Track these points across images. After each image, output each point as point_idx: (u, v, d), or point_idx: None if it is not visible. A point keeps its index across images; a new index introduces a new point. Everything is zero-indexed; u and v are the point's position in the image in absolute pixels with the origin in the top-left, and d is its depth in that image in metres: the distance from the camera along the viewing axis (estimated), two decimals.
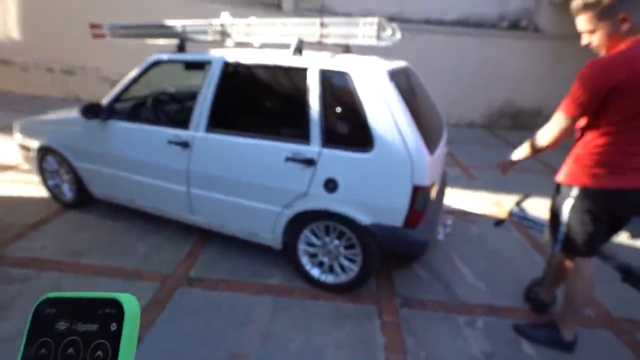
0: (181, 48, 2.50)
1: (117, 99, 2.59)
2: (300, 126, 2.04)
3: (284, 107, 2.34)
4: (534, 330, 1.98)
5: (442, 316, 2.12)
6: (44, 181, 3.07)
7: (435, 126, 2.43)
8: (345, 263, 2.15)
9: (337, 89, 2.02)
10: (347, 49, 2.56)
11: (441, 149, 2.34)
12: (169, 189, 2.43)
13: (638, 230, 1.83)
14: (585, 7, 1.46)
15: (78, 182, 2.88)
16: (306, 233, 2.16)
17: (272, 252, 2.54)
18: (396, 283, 2.37)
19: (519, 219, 2.19)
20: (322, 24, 2.12)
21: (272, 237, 2.25)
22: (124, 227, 2.83)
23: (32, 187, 3.35)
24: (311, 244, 2.21)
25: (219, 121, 2.24)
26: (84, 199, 3.00)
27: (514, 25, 6.78)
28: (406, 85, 2.23)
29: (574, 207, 1.65)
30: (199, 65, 2.39)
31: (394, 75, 2.01)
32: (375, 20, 1.99)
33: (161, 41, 2.73)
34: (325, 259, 2.19)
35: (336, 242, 2.13)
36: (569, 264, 1.82)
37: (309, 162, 1.99)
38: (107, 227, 2.81)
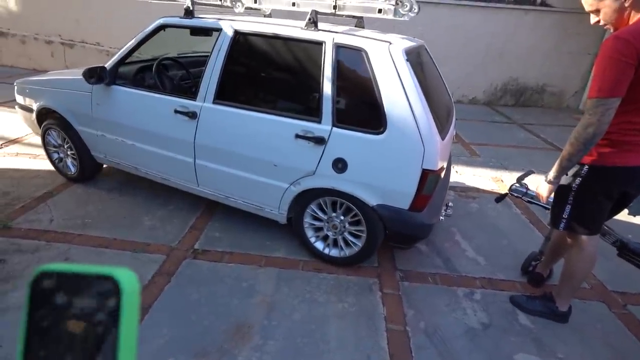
0: (189, 12, 2.38)
1: (122, 62, 2.54)
2: (311, 103, 2.02)
3: (295, 82, 2.30)
4: (530, 302, 2.04)
5: (442, 289, 2.18)
6: (48, 155, 3.07)
7: (446, 109, 2.42)
8: (350, 238, 2.19)
9: (351, 66, 1.98)
10: (359, 21, 2.50)
11: (451, 132, 2.33)
12: (175, 158, 2.43)
13: (636, 208, 1.85)
14: None
15: (81, 158, 2.88)
16: (312, 207, 2.19)
17: (276, 226, 2.58)
18: (397, 257, 2.42)
19: (520, 194, 2.22)
20: None
21: (278, 212, 2.28)
22: (130, 200, 2.86)
23: (37, 160, 3.36)
24: (317, 218, 2.24)
25: (227, 93, 2.21)
26: (88, 174, 3.01)
27: None
28: (420, 65, 2.19)
29: (582, 186, 1.64)
30: (207, 32, 2.32)
31: (410, 54, 1.97)
32: None
33: (164, 2, 2.62)
34: (330, 233, 2.23)
35: (342, 217, 2.16)
36: (571, 241, 1.85)
37: (319, 141, 1.98)
38: (113, 201, 2.84)
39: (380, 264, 2.35)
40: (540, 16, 6.60)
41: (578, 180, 1.64)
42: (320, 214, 2.20)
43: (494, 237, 2.73)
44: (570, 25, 6.57)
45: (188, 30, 2.51)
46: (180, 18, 2.38)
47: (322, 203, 2.16)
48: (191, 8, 2.35)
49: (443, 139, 1.96)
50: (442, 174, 2.09)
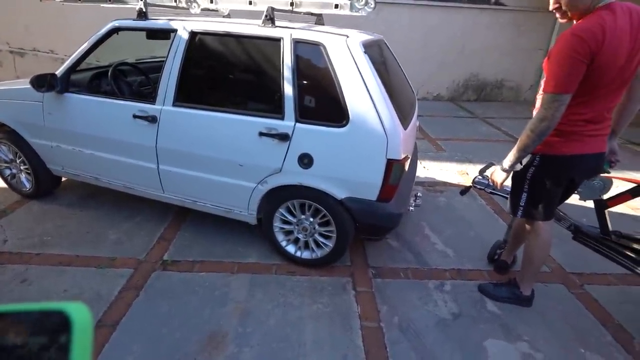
0: (142, 14, 2.30)
1: (73, 69, 2.42)
2: (273, 100, 2.01)
3: (256, 80, 2.28)
4: (496, 289, 2.13)
5: (413, 283, 2.24)
6: None
7: (408, 100, 2.47)
8: (320, 239, 2.20)
9: (311, 60, 1.99)
10: (319, 19, 2.52)
11: (414, 122, 2.38)
12: (137, 165, 2.35)
13: (587, 194, 1.97)
14: None
15: (36, 172, 2.73)
16: (281, 211, 2.18)
17: (248, 231, 2.55)
18: (369, 255, 2.46)
19: (483, 186, 2.31)
20: None
21: (247, 213, 2.26)
22: (92, 215, 2.73)
23: None
24: (286, 222, 2.23)
25: (187, 94, 2.17)
26: (44, 190, 2.86)
27: None
28: (380, 57, 2.23)
29: (535, 174, 1.73)
30: (163, 34, 2.25)
31: (368, 47, 2.00)
32: None
33: (116, 6, 2.53)
34: (301, 236, 2.23)
35: (311, 219, 2.16)
36: (528, 227, 1.95)
37: (283, 137, 1.97)
38: (74, 216, 2.71)
39: (353, 262, 2.38)
40: (495, 15, 6.91)
41: (532, 169, 1.73)
42: (290, 217, 2.20)
43: (461, 229, 2.83)
44: (523, 22, 6.92)
45: (146, 37, 2.43)
46: (134, 20, 2.31)
47: (290, 206, 2.16)
48: (144, 9, 2.29)
49: (405, 128, 2.00)
50: (407, 164, 2.13)
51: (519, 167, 1.76)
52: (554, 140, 1.59)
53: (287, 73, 1.95)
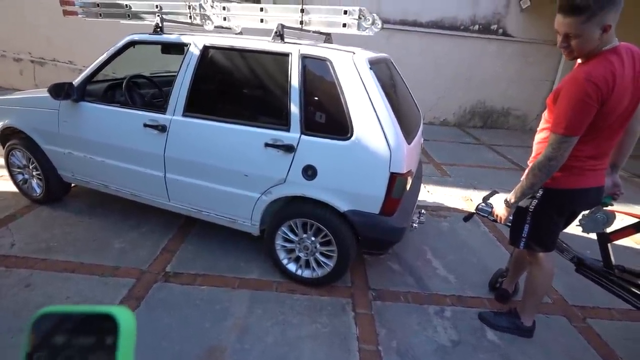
0: (158, 29, 2.43)
1: (90, 79, 2.53)
2: (280, 112, 2.07)
3: (264, 93, 2.35)
4: (497, 318, 2.12)
5: (413, 307, 2.23)
6: (12, 176, 2.96)
7: (412, 116, 2.52)
8: (322, 259, 2.21)
9: (317, 75, 2.06)
10: (328, 38, 2.62)
11: (418, 138, 2.43)
12: (145, 173, 2.41)
13: (590, 227, 1.97)
14: (575, 11, 1.37)
15: (47, 178, 2.80)
16: (284, 229, 2.21)
17: (250, 248, 2.58)
18: (370, 276, 2.46)
19: (486, 214, 2.32)
20: (302, 10, 2.16)
21: (250, 223, 2.28)
22: (99, 223, 2.78)
23: None
24: (288, 240, 2.25)
25: (197, 105, 2.24)
26: (54, 196, 2.92)
27: (485, 29, 7.03)
28: (385, 75, 2.29)
29: (539, 207, 1.75)
30: (176, 48, 2.35)
31: (374, 64, 2.08)
32: (356, 9, 2.05)
33: (134, 23, 2.66)
34: (302, 255, 2.25)
35: (313, 238, 2.18)
36: (530, 258, 1.95)
37: (289, 149, 2.02)
38: (81, 224, 2.75)
39: (353, 283, 2.38)
40: (503, 45, 7.07)
41: (534, 202, 1.75)
42: (292, 236, 2.23)
43: (463, 255, 2.83)
44: (530, 54, 7.06)
45: (161, 51, 2.54)
46: (150, 34, 2.42)
47: (292, 225, 2.19)
48: (160, 25, 2.42)
49: (409, 144, 2.04)
50: (411, 179, 2.15)
51: (522, 202, 1.77)
52: (556, 174, 1.61)
53: (294, 86, 2.02)
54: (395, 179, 1.91)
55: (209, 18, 2.43)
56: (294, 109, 2.03)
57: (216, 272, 2.36)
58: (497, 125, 7.64)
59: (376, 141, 1.89)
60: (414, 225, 2.38)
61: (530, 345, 2.02)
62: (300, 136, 2.01)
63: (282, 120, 2.06)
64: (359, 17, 2.10)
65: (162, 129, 2.26)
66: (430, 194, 3.92)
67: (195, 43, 2.24)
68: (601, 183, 1.69)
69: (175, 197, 2.43)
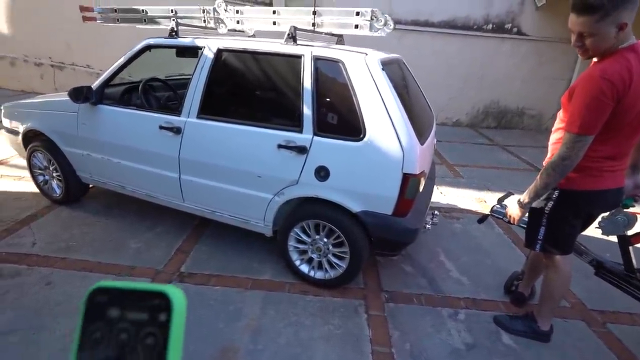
0: (174, 33, 2.49)
1: (108, 82, 2.59)
2: (293, 114, 2.08)
3: (276, 95, 2.37)
4: (512, 322, 2.08)
5: (427, 310, 2.21)
6: (33, 177, 3.06)
7: (425, 117, 2.51)
8: (334, 260, 2.21)
9: (330, 76, 2.07)
10: (340, 40, 2.63)
11: (431, 139, 2.41)
12: (160, 174, 2.45)
13: (610, 229, 1.93)
14: (588, 10, 1.36)
15: (66, 179, 2.88)
16: (296, 230, 2.22)
17: (263, 249, 2.59)
18: (383, 278, 2.45)
19: (501, 216, 2.29)
20: (314, 13, 2.17)
21: (263, 224, 2.30)
22: (116, 224, 2.84)
23: (21, 182, 3.32)
24: (301, 241, 2.26)
25: (211, 107, 2.27)
26: (73, 196, 3.00)
27: (499, 28, 6.93)
28: (398, 75, 2.29)
29: (554, 209, 1.72)
30: (191, 51, 2.39)
31: (387, 65, 2.07)
32: (368, 10, 2.06)
33: (150, 27, 2.73)
34: (315, 256, 2.25)
35: (325, 239, 2.19)
36: (546, 261, 1.91)
37: (301, 150, 2.03)
38: (99, 224, 2.82)
39: (366, 285, 2.37)
40: (517, 44, 6.95)
41: (550, 203, 1.72)
42: (304, 237, 2.23)
43: (477, 257, 2.79)
44: (545, 52, 6.92)
45: (176, 54, 2.59)
46: (165, 38, 2.47)
47: (305, 226, 2.20)
48: (175, 29, 2.47)
49: (422, 144, 2.03)
50: (424, 180, 2.13)
51: (537, 203, 1.74)
52: (573, 175, 1.58)
53: (307, 88, 2.03)
54: (408, 180, 1.90)
55: (222, 21, 2.47)
56: (307, 110, 2.04)
57: (229, 272, 2.38)
58: (512, 125, 7.51)
59: (389, 142, 1.89)
60: (427, 226, 2.36)
61: (547, 349, 1.98)
62: (312, 137, 2.02)
63: (294, 122, 2.07)
64: (371, 19, 2.10)
65: (177, 131, 2.30)
66: (443, 195, 3.88)
67: (209, 46, 2.28)
68: (620, 184, 1.65)
69: (190, 198, 2.46)
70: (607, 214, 1.85)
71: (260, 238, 2.46)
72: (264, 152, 2.13)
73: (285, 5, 6.57)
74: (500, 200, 2.34)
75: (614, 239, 1.97)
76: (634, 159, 1.74)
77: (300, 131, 2.05)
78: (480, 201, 3.81)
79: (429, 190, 2.54)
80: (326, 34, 2.37)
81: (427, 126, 2.43)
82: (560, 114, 1.64)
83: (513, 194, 2.41)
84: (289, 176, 2.10)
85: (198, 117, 2.26)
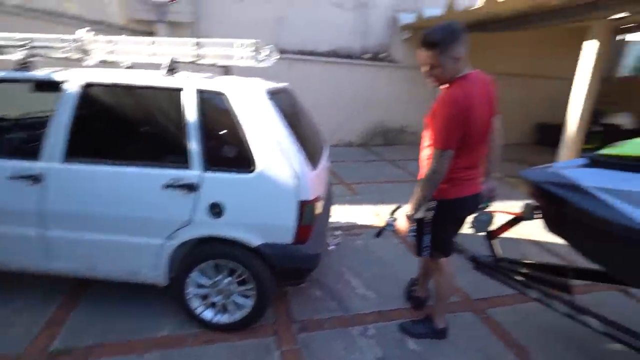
0: (25, 65, 2.15)
1: None
2: (178, 150, 1.96)
3: (158, 131, 2.19)
4: (415, 326, 2.24)
5: (338, 332, 2.23)
6: None
7: (316, 142, 2.60)
8: (239, 300, 2.09)
9: (214, 109, 2.00)
10: (227, 71, 2.59)
11: (323, 163, 2.50)
12: (15, 233, 2.03)
13: (480, 227, 2.23)
14: (428, 46, 1.68)
15: None
16: (193, 275, 2.04)
17: (159, 301, 2.32)
18: (293, 308, 2.40)
19: (391, 229, 2.47)
20: (197, 44, 2.13)
21: (156, 273, 2.07)
22: None
23: None
24: (201, 285, 2.09)
25: (80, 149, 1.98)
26: None
27: (376, 57, 7.78)
28: (285, 104, 2.33)
29: (435, 218, 1.93)
30: (50, 86, 2.07)
31: (273, 94, 2.10)
32: (251, 41, 2.08)
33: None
34: (218, 299, 2.10)
35: (228, 279, 2.06)
36: (432, 265, 2.12)
37: (191, 188, 1.91)
38: None
39: (276, 319, 2.29)
40: (392, 71, 7.88)
41: (431, 213, 1.93)
42: (204, 280, 2.07)
43: (380, 269, 2.95)
44: (414, 78, 7.97)
45: (33, 89, 2.22)
46: (14, 71, 2.12)
47: (204, 268, 2.04)
48: (26, 60, 2.15)
49: (315, 169, 2.08)
50: (320, 204, 2.18)
51: (421, 214, 1.94)
52: (443, 187, 1.82)
53: (191, 122, 1.94)
54: (304, 207, 1.93)
55: (87, 52, 2.22)
56: (193, 145, 1.93)
57: (117, 338, 2.05)
58: (397, 141, 8.39)
59: (280, 171, 1.90)
60: (331, 247, 2.41)
61: (446, 345, 2.17)
62: (202, 173, 1.92)
63: (180, 159, 1.94)
64: (255, 50, 2.13)
65: (36, 179, 1.94)
66: (343, 214, 4.06)
67: (74, 79, 2.01)
68: (477, 190, 1.94)
69: (60, 258, 2.08)
70: (475, 215, 2.15)
71: (154, 290, 2.20)
72: (148, 194, 1.94)
73: (171, 36, 6.32)
74: (392, 213, 2.53)
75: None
76: (486, 169, 2.08)
77: (188, 168, 1.92)
78: (377, 215, 4.09)
79: (327, 212, 2.62)
80: (212, 65, 2.32)
81: (319, 150, 2.52)
82: (426, 133, 1.88)
83: (402, 207, 2.64)
84: (180, 217, 1.94)
85: (65, 160, 1.96)
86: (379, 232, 2.57)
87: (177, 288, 2.07)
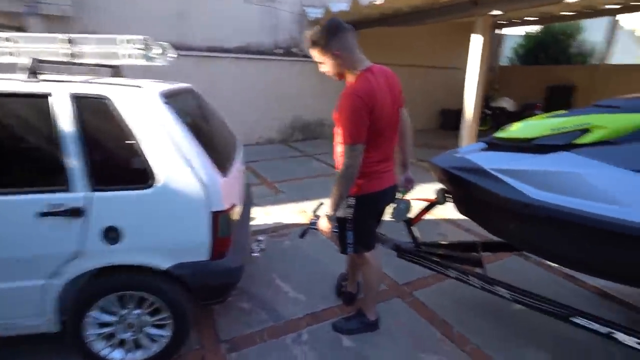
0: None
1: None
2: (53, 170, 1.62)
3: (24, 149, 1.76)
4: (347, 323, 2.22)
5: (271, 344, 2.11)
6: None
7: (228, 144, 2.41)
8: (154, 331, 1.84)
9: (98, 117, 1.69)
10: (117, 71, 2.26)
11: (238, 167, 2.32)
12: None
13: (399, 216, 2.29)
14: (311, 45, 1.76)
15: None
16: (94, 314, 1.74)
17: (49, 352, 1.94)
18: (220, 327, 2.21)
19: (315, 227, 2.42)
20: (69, 41, 1.81)
21: (42, 320, 1.72)
22: None
23: None
24: (105, 324, 1.79)
25: None
26: None
27: (287, 52, 7.70)
28: (189, 106, 2.12)
29: (355, 214, 1.91)
30: None
31: (169, 96, 1.85)
32: (139, 37, 1.83)
33: None
34: (127, 335, 1.82)
35: (137, 311, 1.79)
36: (358, 260, 2.12)
37: (75, 213, 1.60)
38: None
39: (202, 343, 2.09)
40: (303, 65, 7.88)
41: (351, 210, 1.91)
42: (107, 318, 1.78)
43: (309, 269, 2.90)
44: None
45: None
46: None
47: (105, 306, 1.75)
48: None
49: (228, 174, 1.92)
50: (236, 212, 2.03)
51: (341, 212, 1.90)
52: (360, 182, 1.81)
53: (67, 135, 1.62)
54: (218, 217, 1.75)
55: None
56: (73, 162, 1.61)
57: None
58: (316, 135, 8.46)
59: (186, 182, 1.68)
60: (255, 254, 2.27)
61: (380, 336, 2.19)
62: (87, 194, 1.62)
63: (57, 180, 1.61)
64: (144, 48, 1.87)
65: None
66: (267, 215, 3.92)
67: None
68: (393, 182, 1.98)
69: None
70: (392, 205, 2.19)
71: (40, 340, 1.82)
72: (18, 226, 1.58)
73: (49, 32, 5.41)
74: (315, 211, 2.48)
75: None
76: (401, 160, 2.13)
77: (68, 190, 1.61)
78: (302, 212, 4.04)
79: (246, 218, 2.46)
80: (97, 65, 1.98)
81: (231, 154, 2.34)
82: (337, 130, 1.84)
83: (324, 204, 2.60)
84: (64, 249, 1.62)
85: None
86: (303, 232, 2.51)
87: (72, 333, 1.74)
